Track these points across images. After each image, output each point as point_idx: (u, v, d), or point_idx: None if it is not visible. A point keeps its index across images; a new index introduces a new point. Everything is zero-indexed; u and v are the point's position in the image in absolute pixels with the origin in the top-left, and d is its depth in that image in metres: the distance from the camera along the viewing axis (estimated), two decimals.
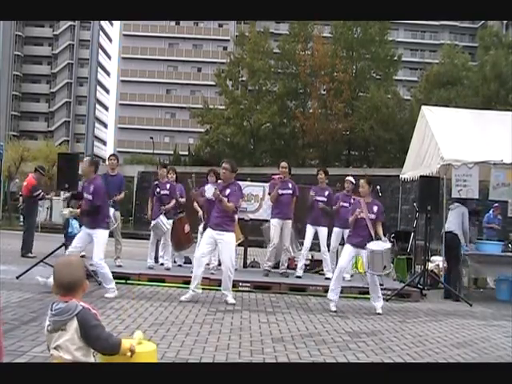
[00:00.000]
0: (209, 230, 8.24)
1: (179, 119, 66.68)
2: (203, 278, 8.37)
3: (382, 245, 8.10)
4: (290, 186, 10.30)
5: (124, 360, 2.89)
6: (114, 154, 11.38)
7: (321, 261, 11.14)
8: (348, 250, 8.28)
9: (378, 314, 8.09)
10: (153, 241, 10.47)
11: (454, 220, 10.54)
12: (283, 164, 10.49)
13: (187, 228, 10.56)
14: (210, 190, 8.07)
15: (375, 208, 8.31)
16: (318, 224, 10.43)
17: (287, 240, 10.22)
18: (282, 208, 10.20)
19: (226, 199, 8.04)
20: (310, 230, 10.48)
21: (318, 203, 10.42)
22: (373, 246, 8.06)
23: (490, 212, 13.26)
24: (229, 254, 8.14)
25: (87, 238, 8.03)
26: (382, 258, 8.01)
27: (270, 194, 10.42)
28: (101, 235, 7.94)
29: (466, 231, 10.56)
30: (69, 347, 2.80)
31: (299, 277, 10.35)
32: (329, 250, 10.54)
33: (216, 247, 8.19)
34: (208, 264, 10.13)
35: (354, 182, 10.41)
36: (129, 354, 2.90)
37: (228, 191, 8.13)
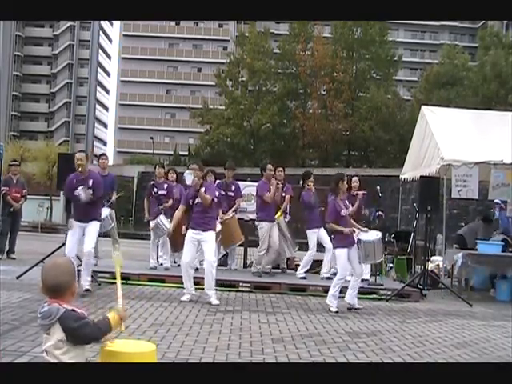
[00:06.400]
0: (190, 232, 8.19)
1: (179, 119, 66.62)
2: (202, 278, 8.35)
3: (373, 234, 8.21)
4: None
5: (123, 358, 2.89)
6: (104, 154, 11.45)
7: (321, 261, 11.11)
8: (342, 254, 8.11)
9: (356, 308, 8.17)
10: (154, 242, 10.45)
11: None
12: (269, 167, 10.40)
13: (184, 229, 10.54)
14: (188, 177, 8.02)
15: (347, 202, 8.46)
16: (319, 226, 10.33)
17: (277, 239, 10.23)
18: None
19: (203, 190, 8.03)
20: (313, 235, 10.35)
21: (317, 206, 10.43)
22: (364, 236, 8.16)
23: None
24: (212, 252, 8.26)
25: None
26: (373, 248, 8.13)
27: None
28: None
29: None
30: (53, 352, 2.76)
31: (304, 278, 10.28)
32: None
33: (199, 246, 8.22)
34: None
35: (357, 181, 10.43)
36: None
37: (203, 189, 8.12)
